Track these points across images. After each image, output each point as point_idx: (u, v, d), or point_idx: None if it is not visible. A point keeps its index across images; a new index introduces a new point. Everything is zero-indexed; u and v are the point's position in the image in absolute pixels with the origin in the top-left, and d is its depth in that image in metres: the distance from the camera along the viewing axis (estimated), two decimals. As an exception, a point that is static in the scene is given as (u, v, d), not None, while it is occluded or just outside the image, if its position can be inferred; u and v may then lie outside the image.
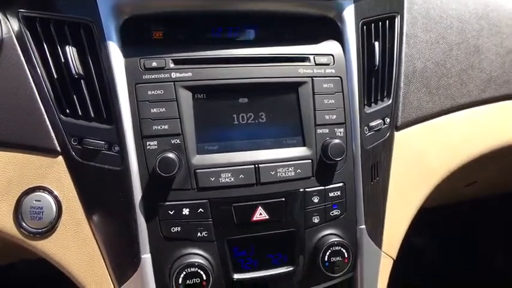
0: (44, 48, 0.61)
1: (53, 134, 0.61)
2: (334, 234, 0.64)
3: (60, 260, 0.62)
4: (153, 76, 0.61)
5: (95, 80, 0.61)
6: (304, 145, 0.65)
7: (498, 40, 0.88)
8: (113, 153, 0.60)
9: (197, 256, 0.59)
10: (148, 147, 0.60)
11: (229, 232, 0.61)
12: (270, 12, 0.68)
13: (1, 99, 0.60)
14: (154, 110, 0.60)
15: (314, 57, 0.67)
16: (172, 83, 0.61)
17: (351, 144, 0.67)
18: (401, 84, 0.76)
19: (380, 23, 0.74)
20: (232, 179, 0.61)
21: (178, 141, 0.60)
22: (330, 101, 0.67)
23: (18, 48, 0.61)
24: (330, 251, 0.63)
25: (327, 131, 0.66)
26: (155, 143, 0.60)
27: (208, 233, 0.60)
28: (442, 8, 0.83)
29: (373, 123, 0.71)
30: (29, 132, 0.61)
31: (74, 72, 0.60)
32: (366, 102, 0.71)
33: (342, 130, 0.67)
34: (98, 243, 0.62)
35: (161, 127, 0.60)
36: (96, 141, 0.60)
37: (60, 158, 0.62)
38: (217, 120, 0.63)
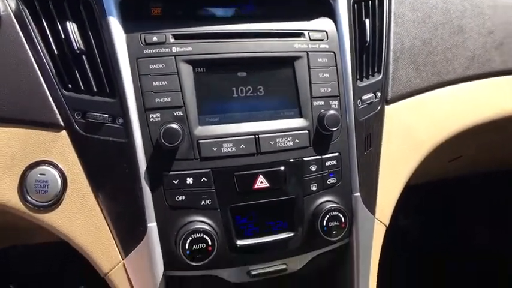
0: (43, 25, 0.62)
1: (55, 109, 0.62)
2: (331, 201, 0.67)
3: (66, 232, 0.64)
4: (154, 51, 0.63)
5: (97, 55, 0.62)
6: (301, 116, 0.68)
7: (480, 21, 0.93)
8: (116, 125, 0.62)
9: (202, 223, 0.61)
10: (151, 120, 0.62)
11: (232, 200, 0.64)
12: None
13: (2, 76, 0.61)
14: (157, 83, 0.62)
15: (309, 33, 0.70)
16: (173, 57, 0.63)
17: (345, 116, 0.71)
18: (391, 61, 0.80)
19: (370, 1, 0.78)
20: (233, 149, 0.63)
21: (180, 113, 0.62)
22: (324, 75, 0.69)
23: (17, 25, 0.62)
24: (327, 216, 0.66)
25: (322, 103, 0.69)
26: (158, 115, 0.62)
27: (212, 201, 0.63)
28: (427, -13, 0.86)
29: (365, 97, 0.74)
30: (32, 107, 0.62)
31: (75, 47, 0.61)
32: (358, 77, 0.74)
33: (336, 102, 0.70)
34: (103, 214, 0.63)
35: (164, 100, 0.62)
36: (99, 115, 0.62)
37: (64, 132, 0.63)
38: (217, 93, 0.65)
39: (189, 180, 0.62)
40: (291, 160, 0.66)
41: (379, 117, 0.76)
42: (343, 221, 0.67)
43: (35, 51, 0.62)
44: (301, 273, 0.70)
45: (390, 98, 0.79)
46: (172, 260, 0.62)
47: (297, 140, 0.66)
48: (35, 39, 0.62)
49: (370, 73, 0.76)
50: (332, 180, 0.69)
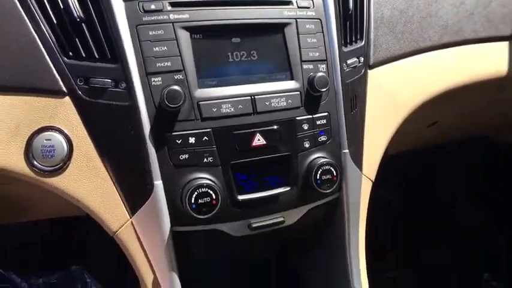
0: None
1: (57, 76, 0.64)
2: (323, 157, 0.73)
3: (74, 194, 0.66)
4: (152, 18, 0.66)
5: (97, 22, 0.65)
6: (292, 79, 0.72)
7: (453, -9, 0.99)
8: (120, 89, 0.65)
9: (205, 179, 0.66)
10: (153, 83, 0.65)
11: (232, 157, 0.68)
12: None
13: (2, 46, 0.63)
14: (157, 48, 0.65)
15: (296, 1, 0.74)
16: (171, 24, 0.66)
17: (332, 79, 0.76)
18: (371, 29, 0.85)
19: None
20: (232, 109, 0.68)
21: (180, 76, 0.66)
22: (312, 40, 0.74)
23: None
24: (320, 170, 0.71)
25: (311, 66, 0.73)
26: (159, 79, 0.65)
27: (214, 159, 0.67)
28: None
29: (350, 61, 0.79)
30: (34, 75, 0.64)
31: (75, 15, 0.63)
32: (343, 43, 0.79)
33: (324, 66, 0.75)
34: (110, 176, 0.66)
35: (164, 64, 0.65)
36: (103, 80, 0.64)
37: (67, 98, 0.65)
38: (214, 58, 0.69)
39: (191, 140, 0.66)
40: (285, 119, 0.71)
41: (363, 80, 0.82)
42: (334, 174, 0.72)
43: (34, 22, 0.63)
44: (298, 225, 0.75)
45: (372, 63, 0.84)
46: (178, 215, 0.66)
47: (289, 101, 0.71)
48: (33, 9, 0.63)
49: (353, 39, 0.82)
50: (323, 138, 0.74)
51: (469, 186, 1.70)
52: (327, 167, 0.71)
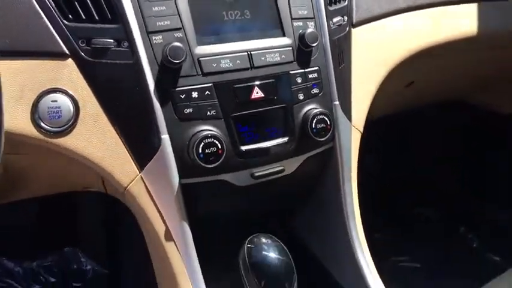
0: None
1: (59, 39, 0.66)
2: (317, 108, 0.78)
3: (83, 153, 0.68)
4: None
5: None
6: (284, 35, 0.77)
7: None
8: (123, 48, 0.67)
9: (210, 131, 0.69)
10: (154, 41, 0.68)
11: (233, 110, 0.72)
12: None
13: (1, 14, 0.64)
14: (156, 8, 0.68)
15: None
16: None
17: (321, 35, 0.80)
18: (353, -11, 0.90)
19: None
20: (230, 64, 0.71)
21: (180, 34, 0.69)
22: None
23: None
24: (315, 119, 0.76)
25: (301, 23, 0.78)
26: (160, 37, 0.68)
27: (216, 112, 0.71)
28: None
29: (335, 19, 0.84)
30: (35, 39, 0.65)
31: None
32: (328, 2, 0.84)
33: (312, 23, 0.79)
34: (118, 133, 0.69)
35: (164, 23, 0.68)
36: (105, 40, 0.66)
37: (70, 60, 0.67)
38: (210, 16, 0.72)
39: (194, 94, 0.69)
40: (280, 73, 0.75)
41: (348, 37, 0.88)
42: (328, 123, 0.77)
43: None
44: (296, 175, 0.80)
45: (355, 22, 0.90)
46: (186, 167, 0.70)
47: (283, 56, 0.76)
48: None
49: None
50: (315, 90, 0.79)
51: (446, 149, 1.81)
52: (321, 117, 0.76)
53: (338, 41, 0.84)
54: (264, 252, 0.61)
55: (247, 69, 0.73)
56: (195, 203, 0.74)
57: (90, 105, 0.68)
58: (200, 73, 0.70)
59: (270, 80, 0.74)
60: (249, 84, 0.73)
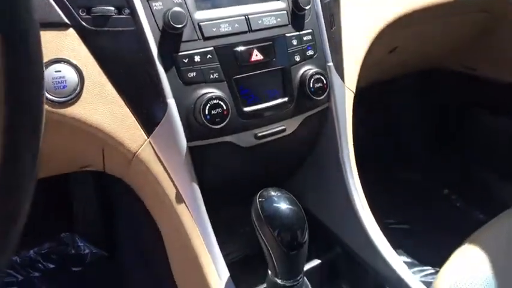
0: None
1: (57, 9, 0.66)
2: (313, 69, 0.81)
3: (90, 121, 0.69)
4: None
5: None
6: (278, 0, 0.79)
7: None
8: (124, 16, 0.68)
9: (214, 93, 0.72)
10: (155, 8, 0.69)
11: (235, 72, 0.74)
12: None
13: None
14: None
15: None
16: None
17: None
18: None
19: None
20: (230, 28, 0.73)
21: (179, 0, 0.70)
22: None
23: None
24: (312, 79, 0.79)
25: None
26: (160, 3, 0.69)
27: (219, 74, 0.73)
28: None
29: (324, -16, 0.87)
30: None
31: None
32: None
33: None
34: (124, 100, 0.70)
35: None
36: (105, 8, 0.67)
37: (71, 29, 0.67)
38: None
39: (197, 58, 0.71)
40: (277, 36, 0.78)
41: (337, 2, 0.91)
42: (324, 83, 0.81)
43: None
44: (297, 135, 0.84)
45: (343, -13, 0.93)
46: (193, 130, 0.72)
47: (279, 19, 0.78)
48: None
49: None
50: (310, 52, 0.82)
51: (426, 113, 1.88)
52: (317, 76, 0.80)
53: (328, 4, 0.87)
54: (275, 204, 0.64)
55: (245, 32, 0.75)
56: (202, 166, 0.77)
57: (95, 73, 0.69)
58: (201, 38, 0.72)
59: (267, 43, 0.77)
60: (248, 47, 0.75)
